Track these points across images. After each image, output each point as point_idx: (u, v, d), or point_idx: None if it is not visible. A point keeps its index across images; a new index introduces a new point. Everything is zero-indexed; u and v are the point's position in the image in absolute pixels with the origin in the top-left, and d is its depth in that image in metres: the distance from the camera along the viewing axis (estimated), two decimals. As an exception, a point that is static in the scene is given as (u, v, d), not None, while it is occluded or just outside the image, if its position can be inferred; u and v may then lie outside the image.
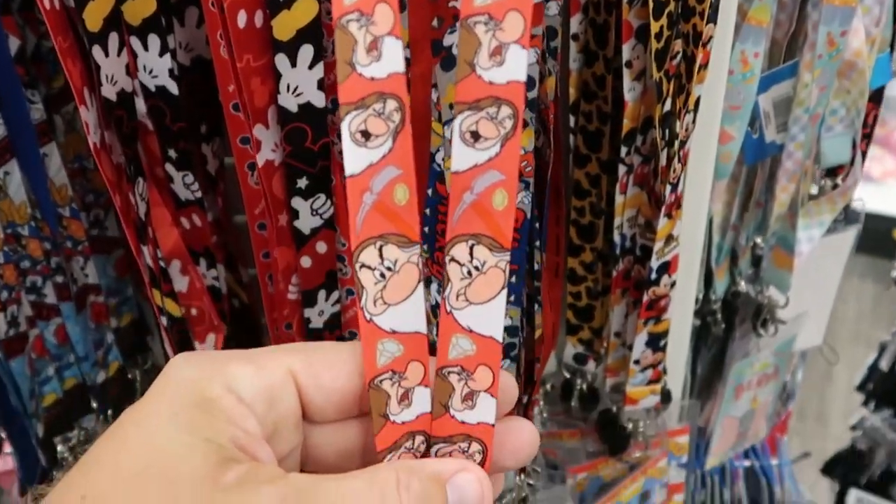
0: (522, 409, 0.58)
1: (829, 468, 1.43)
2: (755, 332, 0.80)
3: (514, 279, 0.50)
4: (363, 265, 0.29)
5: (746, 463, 0.99)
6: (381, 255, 0.29)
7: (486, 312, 0.30)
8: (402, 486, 0.29)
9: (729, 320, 0.82)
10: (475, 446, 0.32)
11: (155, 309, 0.54)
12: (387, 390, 0.31)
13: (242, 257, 0.62)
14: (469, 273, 0.30)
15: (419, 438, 0.32)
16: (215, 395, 0.29)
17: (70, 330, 0.60)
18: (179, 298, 0.56)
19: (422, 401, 0.32)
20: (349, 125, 0.27)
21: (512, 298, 0.51)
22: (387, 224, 0.28)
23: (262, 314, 0.58)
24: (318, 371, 0.32)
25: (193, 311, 0.58)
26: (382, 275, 0.29)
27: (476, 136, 0.28)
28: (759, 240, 0.79)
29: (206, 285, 0.57)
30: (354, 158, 0.27)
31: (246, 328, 0.64)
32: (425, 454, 0.33)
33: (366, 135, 0.27)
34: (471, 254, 0.30)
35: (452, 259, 0.30)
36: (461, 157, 0.28)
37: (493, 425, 0.32)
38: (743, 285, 0.80)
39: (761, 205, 0.75)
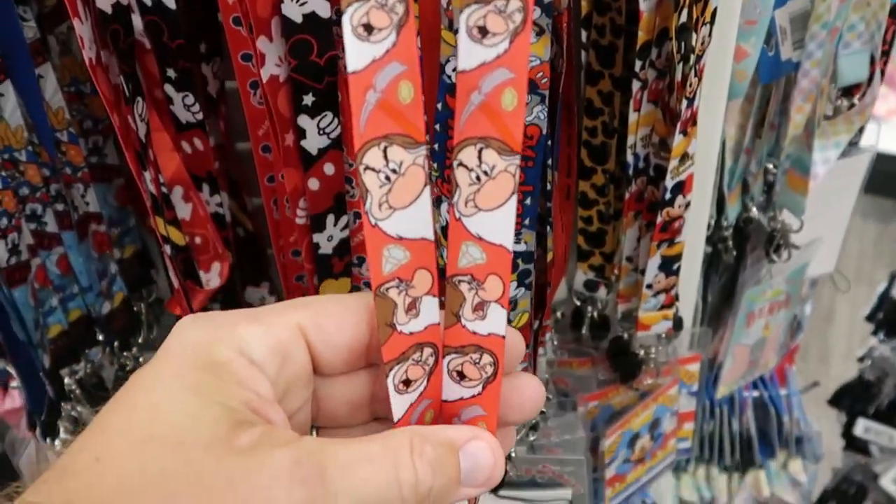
0: (533, 335, 0.58)
1: (837, 399, 1.43)
2: (768, 258, 0.79)
3: (528, 201, 0.49)
4: (367, 167, 0.27)
5: (755, 393, 0.99)
6: (385, 157, 0.27)
7: (495, 219, 0.29)
8: (416, 452, 0.30)
9: (740, 247, 0.81)
10: (486, 358, 0.32)
11: (158, 237, 0.53)
12: (393, 298, 0.30)
13: (246, 186, 0.61)
14: (478, 178, 0.29)
15: (427, 350, 0.32)
16: (225, 358, 0.29)
17: (73, 260, 0.59)
18: (183, 226, 0.55)
19: (430, 311, 0.31)
20: (351, 18, 0.25)
21: (527, 221, 0.49)
22: (391, 124, 0.27)
23: (269, 243, 0.57)
24: (324, 324, 0.32)
25: (197, 240, 0.57)
26: (387, 177, 0.28)
27: (484, 31, 0.26)
28: (771, 165, 0.77)
29: (210, 212, 0.56)
30: (357, 54, 0.26)
31: (251, 257, 0.63)
32: (434, 367, 0.32)
33: (368, 28, 0.26)
34: (479, 158, 0.28)
35: (461, 164, 0.28)
36: (468, 55, 0.27)
37: (503, 337, 0.31)
38: (755, 211, 0.79)
39: (775, 127, 0.73)
